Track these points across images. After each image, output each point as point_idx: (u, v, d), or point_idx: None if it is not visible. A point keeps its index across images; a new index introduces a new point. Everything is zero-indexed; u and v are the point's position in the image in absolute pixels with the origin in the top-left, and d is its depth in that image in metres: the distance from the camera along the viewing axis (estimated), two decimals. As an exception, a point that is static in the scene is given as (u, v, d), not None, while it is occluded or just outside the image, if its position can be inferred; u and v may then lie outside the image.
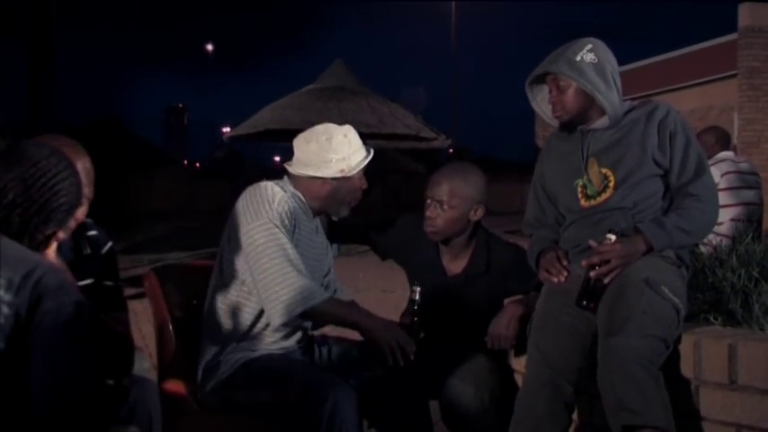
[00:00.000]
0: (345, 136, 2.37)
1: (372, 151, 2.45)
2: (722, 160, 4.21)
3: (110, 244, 1.97)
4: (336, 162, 2.34)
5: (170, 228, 18.05)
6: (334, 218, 2.47)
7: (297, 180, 2.39)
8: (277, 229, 2.20)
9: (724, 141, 4.38)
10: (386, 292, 7.76)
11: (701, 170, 2.35)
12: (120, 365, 1.88)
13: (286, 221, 2.24)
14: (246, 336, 2.29)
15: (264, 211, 2.22)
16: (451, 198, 2.56)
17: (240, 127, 11.20)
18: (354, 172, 2.37)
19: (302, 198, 2.38)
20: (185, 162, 44.70)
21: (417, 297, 2.34)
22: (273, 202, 2.24)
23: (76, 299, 1.39)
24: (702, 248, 3.09)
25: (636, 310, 2.10)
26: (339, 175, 2.35)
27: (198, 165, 44.21)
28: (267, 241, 2.19)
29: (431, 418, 2.44)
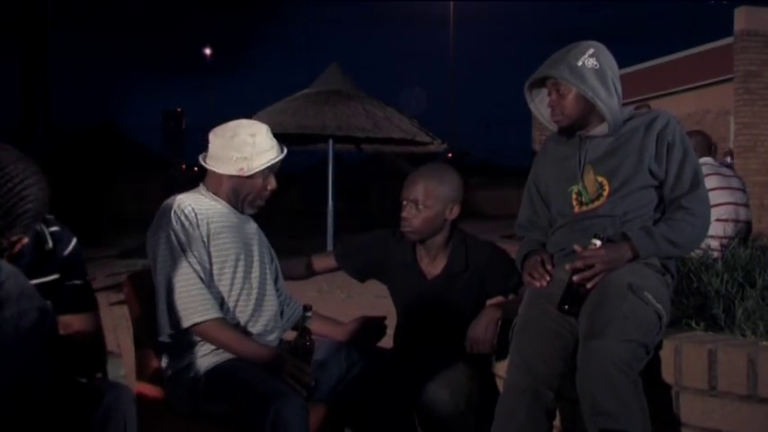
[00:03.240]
0: (252, 136, 2.38)
1: (285, 152, 2.46)
2: (703, 164, 4.23)
3: (74, 241, 1.96)
4: (237, 161, 2.36)
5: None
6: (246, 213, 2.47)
7: (207, 178, 2.44)
8: (168, 242, 2.25)
9: (706, 147, 4.41)
10: (379, 297, 7.74)
11: (696, 184, 2.34)
12: (90, 365, 1.87)
13: (186, 218, 2.28)
14: (207, 344, 2.27)
15: (160, 222, 2.29)
16: (427, 198, 2.58)
17: (235, 131, 11.20)
18: (254, 172, 2.37)
19: (215, 196, 2.40)
20: (183, 167, 44.64)
21: (309, 324, 2.31)
22: (170, 210, 2.29)
23: (39, 305, 1.38)
24: (691, 252, 3.09)
25: (617, 314, 2.10)
26: (236, 173, 2.36)
27: (196, 169, 44.12)
28: (158, 255, 2.26)
29: (416, 426, 2.44)
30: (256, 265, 2.40)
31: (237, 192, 2.39)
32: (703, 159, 4.32)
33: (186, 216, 2.28)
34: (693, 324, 2.38)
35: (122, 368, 2.06)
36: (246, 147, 2.36)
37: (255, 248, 2.43)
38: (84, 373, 1.84)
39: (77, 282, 1.95)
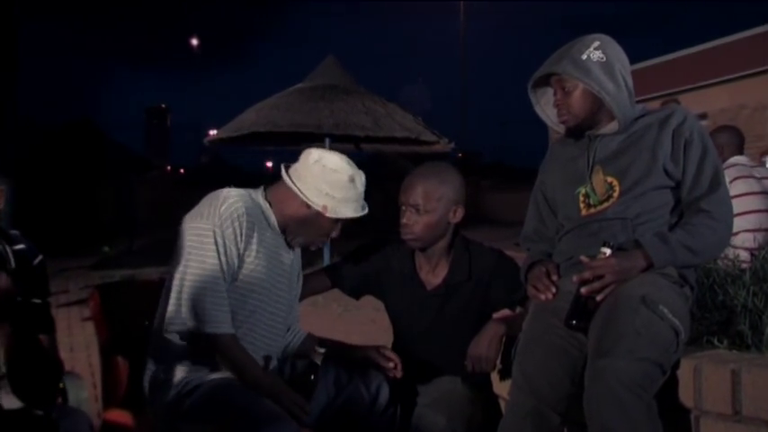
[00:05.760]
0: (352, 181, 2.39)
1: (366, 211, 2.45)
2: (732, 165, 4.20)
3: (40, 257, 1.97)
4: (326, 196, 2.36)
5: (150, 240, 18.06)
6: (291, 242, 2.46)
7: (277, 187, 2.41)
8: (209, 238, 2.23)
9: (737, 144, 4.39)
10: (378, 311, 7.73)
11: (716, 184, 2.33)
12: (45, 390, 1.87)
13: (233, 224, 2.26)
14: (196, 357, 2.28)
15: (207, 213, 2.26)
16: (428, 201, 2.56)
17: (223, 130, 11.18)
18: (333, 216, 2.37)
19: (269, 209, 2.39)
20: (168, 168, 44.91)
21: (319, 361, 2.32)
22: (222, 205, 2.27)
23: None
24: (719, 262, 3.08)
25: (629, 329, 2.09)
26: (318, 208, 2.36)
27: (182, 171, 44.44)
28: (192, 245, 2.24)
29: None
30: (271, 303, 2.40)
31: (304, 223, 2.39)
32: (734, 159, 4.30)
33: (237, 217, 2.27)
34: (716, 341, 2.37)
35: (84, 391, 2.06)
36: (342, 189, 2.37)
37: (284, 285, 2.43)
38: (40, 400, 1.84)
39: (37, 300, 1.95)
